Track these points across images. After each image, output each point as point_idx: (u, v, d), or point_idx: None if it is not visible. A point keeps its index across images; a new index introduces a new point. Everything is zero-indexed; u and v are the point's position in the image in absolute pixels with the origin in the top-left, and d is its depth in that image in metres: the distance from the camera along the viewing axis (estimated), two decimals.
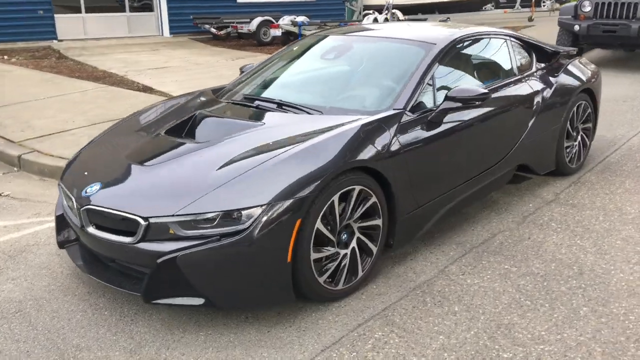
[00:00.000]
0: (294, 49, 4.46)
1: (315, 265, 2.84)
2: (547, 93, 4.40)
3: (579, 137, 4.86)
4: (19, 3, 13.98)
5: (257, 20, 14.76)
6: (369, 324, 2.84)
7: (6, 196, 4.75)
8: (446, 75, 3.79)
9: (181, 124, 3.45)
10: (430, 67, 3.61)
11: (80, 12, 15.30)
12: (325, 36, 4.38)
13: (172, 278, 2.63)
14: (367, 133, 3.08)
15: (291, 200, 2.66)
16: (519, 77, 4.30)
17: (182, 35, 16.25)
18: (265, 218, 2.61)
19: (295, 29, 13.83)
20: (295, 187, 2.69)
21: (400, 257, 3.49)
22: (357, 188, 2.96)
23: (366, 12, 19.21)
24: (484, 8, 20.51)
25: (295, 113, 3.46)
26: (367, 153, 3.00)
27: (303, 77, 4.11)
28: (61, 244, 3.24)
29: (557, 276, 3.23)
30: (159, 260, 2.60)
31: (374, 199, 3.06)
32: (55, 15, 14.64)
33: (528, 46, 4.63)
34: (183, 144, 3.18)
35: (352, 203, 2.96)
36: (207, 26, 15.59)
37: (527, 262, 3.41)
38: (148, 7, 16.46)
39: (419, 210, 3.40)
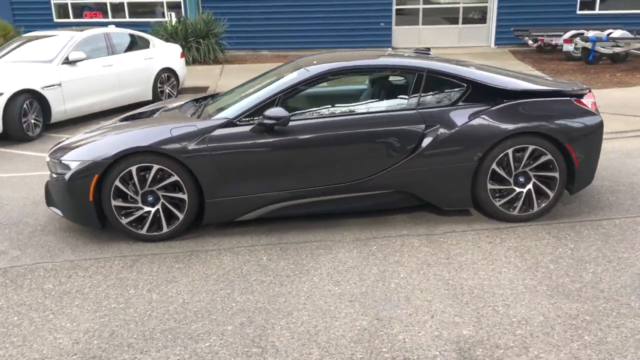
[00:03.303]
0: (272, 71, 5.53)
1: (118, 210, 4.32)
2: (445, 130, 4.30)
3: (530, 185, 4.38)
4: (367, 17, 17.13)
5: (569, 34, 14.05)
6: (102, 261, 4.15)
7: None
8: (307, 99, 4.43)
9: (144, 113, 5.28)
10: (285, 90, 4.38)
11: (417, 24, 17.53)
12: (291, 62, 5.34)
13: (49, 195, 4.60)
14: (176, 131, 4.28)
15: (91, 162, 4.22)
16: (397, 110, 4.44)
17: (505, 47, 16.65)
18: (76, 169, 4.27)
19: (588, 45, 12.63)
20: (99, 155, 4.23)
21: (220, 232, 4.50)
22: (155, 167, 4.24)
23: None
24: None
25: (188, 115, 4.83)
26: (167, 144, 4.20)
27: (238, 93, 5.19)
28: None
29: (213, 278, 3.77)
30: (45, 183, 4.61)
31: (175, 178, 4.26)
32: (394, 27, 17.26)
33: (464, 83, 4.46)
34: (121, 124, 5.01)
35: (150, 176, 4.27)
36: (526, 38, 15.58)
37: (219, 266, 3.97)
38: (481, 20, 17.42)
39: (236, 199, 4.33)
